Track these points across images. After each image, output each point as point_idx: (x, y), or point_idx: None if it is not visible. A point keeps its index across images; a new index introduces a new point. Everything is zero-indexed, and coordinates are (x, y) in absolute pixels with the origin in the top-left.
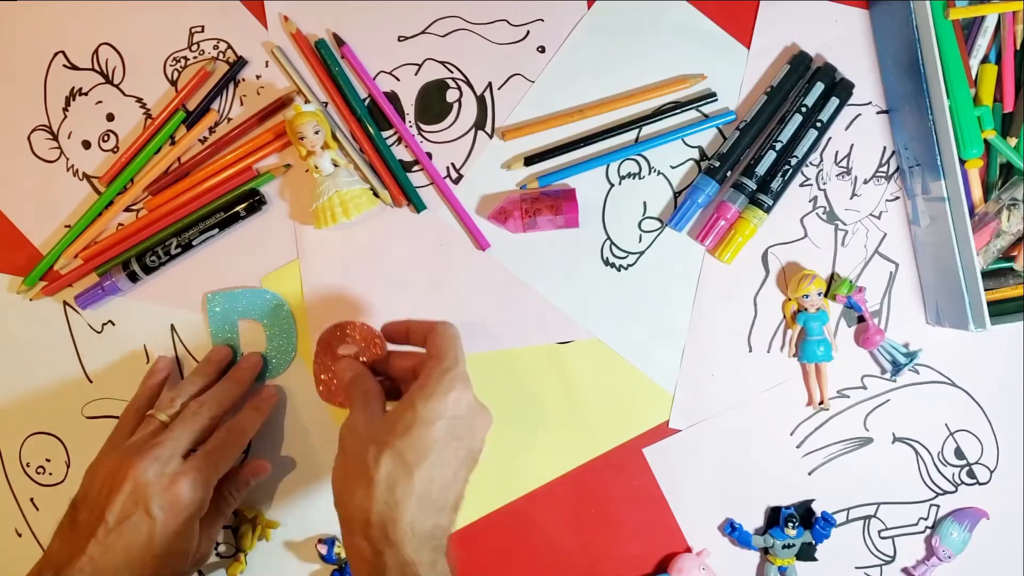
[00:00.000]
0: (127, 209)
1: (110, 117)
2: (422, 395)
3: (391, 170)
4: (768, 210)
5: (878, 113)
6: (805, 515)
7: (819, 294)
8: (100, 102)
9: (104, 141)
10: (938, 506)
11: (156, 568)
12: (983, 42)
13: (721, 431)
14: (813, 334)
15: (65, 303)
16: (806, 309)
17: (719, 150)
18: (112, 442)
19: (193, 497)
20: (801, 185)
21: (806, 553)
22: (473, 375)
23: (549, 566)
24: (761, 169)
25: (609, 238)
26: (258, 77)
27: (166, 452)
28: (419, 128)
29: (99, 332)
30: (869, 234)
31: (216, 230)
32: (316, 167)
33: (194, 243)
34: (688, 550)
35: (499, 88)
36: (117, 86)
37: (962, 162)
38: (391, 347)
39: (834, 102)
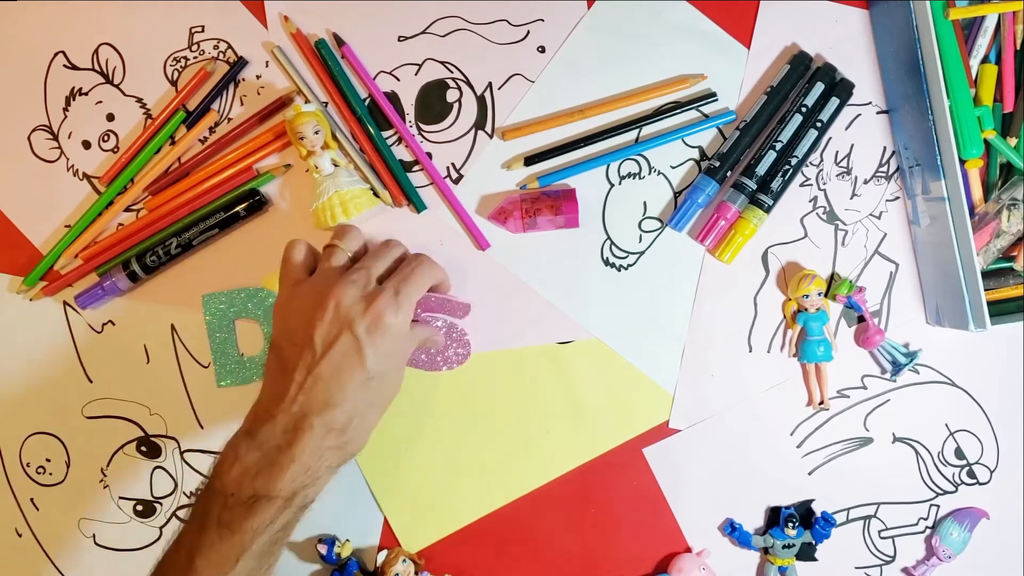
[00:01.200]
0: (127, 209)
1: (110, 117)
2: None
3: (391, 170)
4: (768, 210)
5: (878, 113)
6: (805, 515)
7: (819, 294)
8: (100, 102)
9: (104, 141)
10: (938, 506)
11: (368, 392)
12: (983, 42)
13: (721, 431)
14: (813, 334)
15: (65, 303)
16: (806, 309)
17: (719, 150)
18: (289, 280)
19: (395, 317)
20: (801, 185)
21: (806, 553)
22: (473, 375)
23: (549, 566)
24: (761, 169)
25: (609, 238)
26: (258, 77)
27: (362, 278)
28: (419, 128)
29: (99, 332)
30: (869, 234)
31: (216, 230)
32: (316, 167)
33: (194, 243)
34: (688, 550)
35: (499, 88)
36: (117, 86)
37: (962, 162)
38: None
39: (834, 102)
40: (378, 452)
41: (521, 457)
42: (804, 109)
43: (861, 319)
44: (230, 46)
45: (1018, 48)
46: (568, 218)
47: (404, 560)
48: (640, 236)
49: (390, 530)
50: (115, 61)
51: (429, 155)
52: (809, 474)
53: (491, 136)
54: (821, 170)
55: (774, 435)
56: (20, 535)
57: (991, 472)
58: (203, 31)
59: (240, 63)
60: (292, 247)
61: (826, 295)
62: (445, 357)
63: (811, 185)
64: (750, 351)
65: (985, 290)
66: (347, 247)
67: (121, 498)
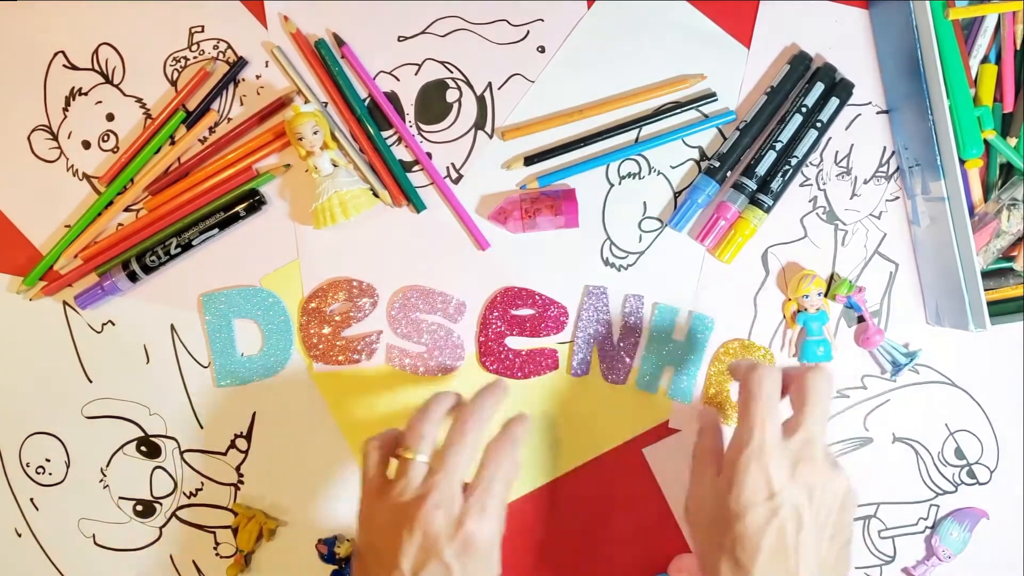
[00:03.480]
0: (127, 209)
1: (110, 117)
2: (724, 485)
3: (391, 170)
4: (768, 210)
5: (878, 113)
6: None
7: (819, 294)
8: (100, 102)
9: (104, 141)
10: (938, 506)
11: None
12: (983, 42)
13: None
14: (813, 334)
15: (65, 303)
16: (806, 309)
17: (719, 150)
18: (371, 489)
19: (486, 535)
20: (801, 185)
21: None
22: (472, 375)
23: (549, 566)
24: (761, 169)
25: (609, 238)
26: (258, 77)
27: (446, 496)
28: (419, 128)
29: (99, 332)
30: (869, 234)
31: (216, 230)
32: (315, 167)
33: (194, 243)
34: (688, 550)
35: (499, 88)
36: (117, 86)
37: (962, 162)
38: None
39: (834, 102)
40: None
41: (521, 457)
42: (804, 109)
43: (861, 319)
44: (230, 46)
45: (1018, 48)
46: (568, 218)
47: None
48: (640, 236)
49: None
50: (115, 61)
51: (429, 155)
52: None
53: (491, 136)
54: (821, 170)
55: None
56: (20, 535)
57: (991, 472)
58: (203, 31)
59: (240, 63)
60: (367, 454)
61: (826, 295)
62: (439, 361)
63: (811, 185)
64: None
65: (985, 290)
66: (422, 455)
67: (121, 498)
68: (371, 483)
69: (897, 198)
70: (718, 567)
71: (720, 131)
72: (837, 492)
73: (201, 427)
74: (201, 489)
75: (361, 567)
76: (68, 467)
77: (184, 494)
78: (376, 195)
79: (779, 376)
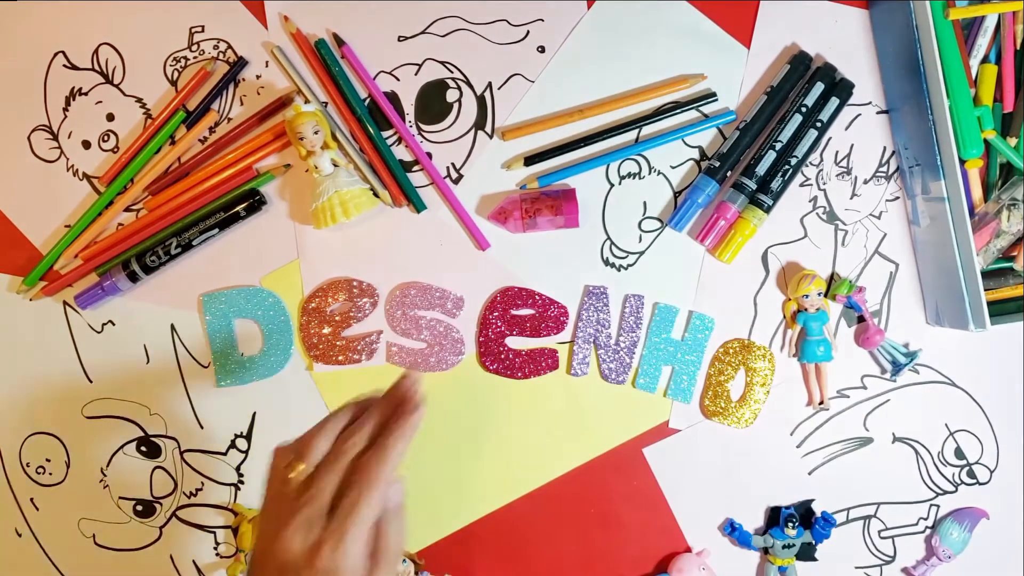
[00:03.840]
0: (127, 209)
1: (110, 117)
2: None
3: (391, 170)
4: (768, 210)
5: (878, 113)
6: (805, 515)
7: (819, 294)
8: (100, 102)
9: (104, 141)
10: (938, 506)
11: None
12: (983, 42)
13: (721, 431)
14: (813, 334)
15: (65, 303)
16: (806, 309)
17: (719, 150)
18: (267, 493)
19: (340, 567)
20: (801, 185)
21: (806, 553)
22: (472, 375)
23: (549, 566)
24: (761, 169)
25: (609, 238)
26: (258, 77)
27: (313, 513)
28: (419, 128)
29: (99, 332)
30: (869, 234)
31: (216, 230)
32: (316, 167)
33: (194, 243)
34: (688, 550)
35: (499, 88)
36: (117, 86)
37: (962, 162)
38: None
39: (834, 102)
40: None
41: (521, 457)
42: (804, 109)
43: (861, 319)
44: (230, 46)
45: (1018, 48)
46: (568, 218)
47: (404, 560)
48: (640, 236)
49: None
50: (115, 61)
51: (429, 155)
52: (809, 474)
53: (491, 136)
54: (821, 170)
55: (774, 435)
56: (20, 535)
57: (991, 472)
58: (203, 31)
59: (240, 63)
60: (272, 459)
61: (826, 295)
62: (440, 358)
63: (811, 185)
64: None
65: (985, 290)
66: (309, 462)
67: (121, 498)
68: (267, 489)
69: (897, 198)
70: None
71: (720, 131)
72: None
73: (201, 427)
74: (201, 489)
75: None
76: (68, 467)
77: (184, 494)
78: (376, 195)
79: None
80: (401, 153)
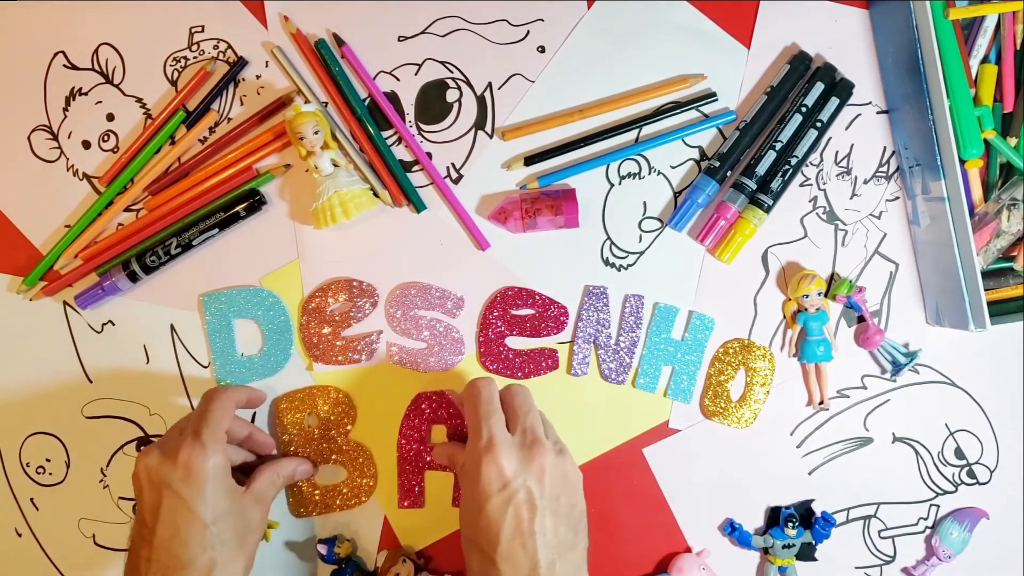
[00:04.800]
0: (127, 209)
1: (110, 117)
2: (468, 484)
3: (391, 170)
4: (768, 210)
5: (878, 113)
6: (805, 515)
7: (819, 294)
8: (100, 102)
9: (104, 141)
10: (938, 506)
11: (218, 538)
12: (983, 42)
13: (721, 431)
14: (813, 334)
15: (65, 303)
16: (806, 309)
17: (719, 150)
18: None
19: (205, 458)
20: (801, 185)
21: (806, 553)
22: (472, 375)
23: None
24: (761, 169)
25: (609, 238)
26: (258, 77)
27: (166, 440)
28: (419, 128)
29: (99, 332)
30: (869, 234)
31: (216, 230)
32: (316, 167)
33: (194, 243)
34: (688, 550)
35: (499, 88)
36: (117, 86)
37: (962, 162)
38: None
39: (834, 102)
40: (378, 452)
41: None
42: (804, 109)
43: (861, 319)
44: (230, 46)
45: (1018, 48)
46: (568, 218)
47: (404, 560)
48: (640, 236)
49: (390, 530)
50: (115, 61)
51: (429, 155)
52: (809, 474)
53: (491, 136)
54: (821, 170)
55: (774, 435)
56: (20, 535)
57: (991, 472)
58: (203, 31)
59: (240, 63)
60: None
61: (826, 295)
62: (440, 357)
63: (811, 185)
64: None
65: (985, 290)
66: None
67: (121, 498)
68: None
69: (897, 198)
70: (470, 560)
71: (720, 131)
72: (566, 474)
73: None
74: None
75: (135, 538)
76: (68, 467)
77: None
78: (376, 195)
79: (494, 384)
80: (401, 153)
